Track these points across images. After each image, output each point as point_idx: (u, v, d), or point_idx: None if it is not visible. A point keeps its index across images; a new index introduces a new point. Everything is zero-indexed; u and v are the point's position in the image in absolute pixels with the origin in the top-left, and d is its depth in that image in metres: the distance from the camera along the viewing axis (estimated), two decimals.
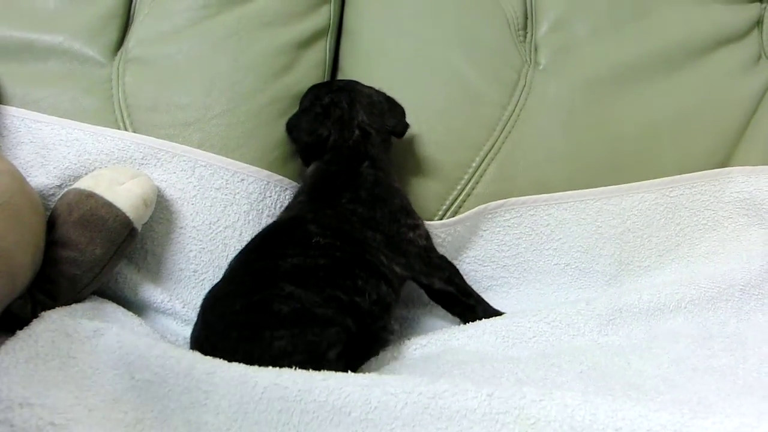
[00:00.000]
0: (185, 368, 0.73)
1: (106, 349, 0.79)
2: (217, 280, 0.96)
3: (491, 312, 1.00)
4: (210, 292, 0.92)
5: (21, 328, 0.81)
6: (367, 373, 0.72)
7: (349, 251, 0.91)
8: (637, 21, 1.19)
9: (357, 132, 1.02)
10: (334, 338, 0.81)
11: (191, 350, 0.83)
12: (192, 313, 0.97)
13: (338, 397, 0.67)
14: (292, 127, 1.06)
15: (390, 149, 1.07)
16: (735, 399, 0.75)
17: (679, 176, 1.09)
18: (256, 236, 0.98)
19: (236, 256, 0.95)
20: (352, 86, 1.07)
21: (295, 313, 0.82)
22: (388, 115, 1.06)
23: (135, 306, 1.01)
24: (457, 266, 1.07)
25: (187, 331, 0.93)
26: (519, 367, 0.82)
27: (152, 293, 1.01)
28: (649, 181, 1.08)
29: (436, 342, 0.93)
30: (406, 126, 1.06)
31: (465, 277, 1.07)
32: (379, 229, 0.95)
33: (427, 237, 1.01)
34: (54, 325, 0.81)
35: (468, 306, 1.00)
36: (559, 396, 0.66)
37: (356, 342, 0.85)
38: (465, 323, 0.99)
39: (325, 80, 1.17)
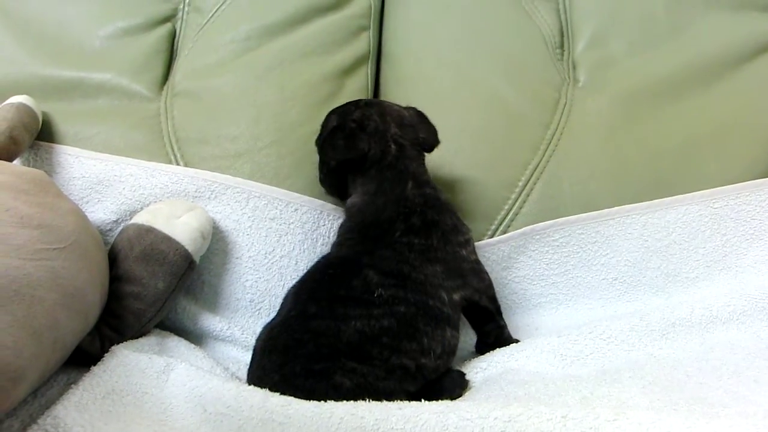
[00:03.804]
0: (259, 401, 0.74)
1: (177, 383, 0.81)
2: (274, 309, 0.98)
3: (512, 338, 1.01)
4: (268, 331, 0.90)
5: (89, 364, 0.83)
6: (441, 401, 0.73)
7: (412, 301, 0.88)
8: (673, 33, 1.20)
9: (393, 146, 0.99)
10: None
11: None
12: (251, 339, 0.98)
13: (415, 425, 0.68)
14: (327, 146, 1.01)
15: (424, 161, 1.04)
16: None
17: (722, 187, 1.09)
18: (312, 273, 0.95)
19: (293, 290, 0.94)
20: (379, 102, 1.06)
21: (358, 388, 0.80)
22: (419, 127, 1.03)
23: (194, 335, 1.04)
24: (506, 285, 1.09)
25: (248, 357, 0.93)
26: (582, 385, 0.82)
27: (211, 322, 1.03)
28: (692, 193, 1.09)
29: (496, 364, 0.94)
30: (437, 141, 1.04)
31: (514, 296, 1.09)
32: (437, 257, 0.93)
33: (475, 250, 1.00)
34: (126, 360, 0.84)
35: (499, 326, 1.01)
36: (632, 415, 0.67)
37: (418, 394, 0.85)
38: (488, 344, 1.00)
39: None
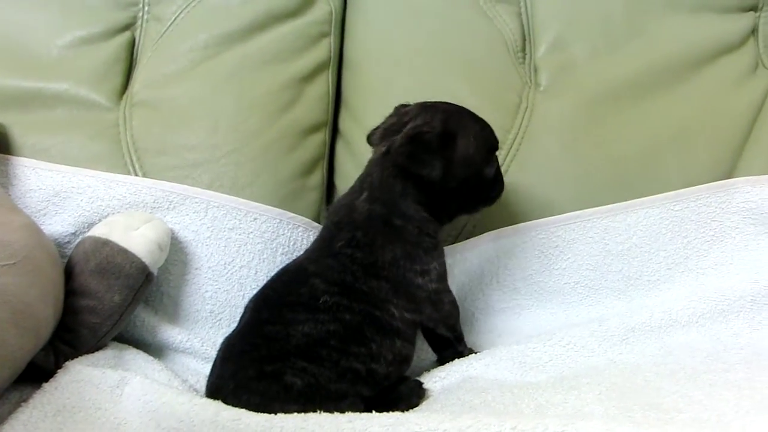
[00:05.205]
0: (211, 415, 0.74)
1: (131, 398, 0.80)
2: (234, 319, 0.98)
3: None
4: (227, 340, 0.91)
5: (44, 379, 0.83)
6: (391, 412, 0.73)
7: (357, 310, 0.88)
8: (634, 37, 1.20)
9: (382, 149, 0.95)
10: (347, 411, 0.77)
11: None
12: (211, 351, 0.98)
13: None
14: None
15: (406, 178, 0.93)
16: (754, 416, 0.75)
17: (683, 190, 1.09)
18: (270, 280, 0.96)
19: (252, 300, 0.95)
20: (431, 106, 0.96)
21: (309, 388, 0.81)
22: (401, 141, 0.92)
23: (153, 347, 1.03)
24: (468, 291, 1.09)
25: (207, 368, 0.93)
26: (538, 392, 0.82)
27: (170, 334, 1.02)
28: (653, 196, 1.09)
29: (455, 373, 0.94)
30: (403, 161, 0.91)
31: (477, 302, 1.09)
32: (383, 276, 0.91)
33: (440, 278, 0.95)
34: (79, 376, 0.83)
35: (458, 351, 0.99)
36: (581, 425, 0.66)
37: (374, 401, 0.85)
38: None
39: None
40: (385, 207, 0.93)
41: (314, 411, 0.75)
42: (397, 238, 0.92)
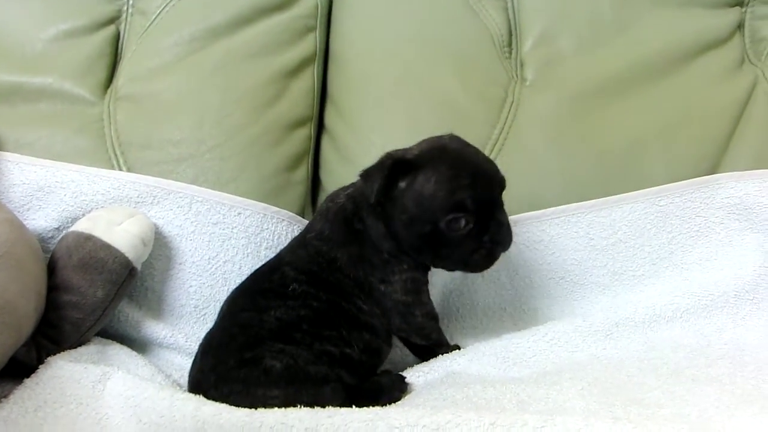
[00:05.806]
0: (192, 410, 0.74)
1: (112, 393, 0.80)
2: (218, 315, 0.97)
3: None
4: (208, 333, 0.91)
5: (26, 375, 0.82)
6: (371, 407, 0.73)
7: (324, 299, 0.89)
8: (620, 31, 1.20)
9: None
10: (330, 397, 0.80)
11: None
12: (195, 346, 0.96)
13: None
14: None
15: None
16: (734, 410, 0.76)
17: (667, 185, 1.09)
18: (251, 273, 0.97)
19: (231, 294, 0.96)
20: (439, 143, 0.93)
21: (288, 370, 0.81)
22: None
23: (138, 343, 1.02)
24: (452, 286, 1.09)
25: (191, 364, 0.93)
26: (521, 387, 0.82)
27: (154, 329, 1.02)
28: (638, 191, 1.09)
29: (438, 368, 0.93)
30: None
31: (460, 297, 1.09)
32: (344, 273, 0.92)
33: (408, 291, 0.94)
34: (61, 371, 0.83)
35: (437, 355, 0.98)
36: (560, 421, 0.67)
37: (356, 392, 0.85)
38: None
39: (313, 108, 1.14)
40: (354, 207, 0.95)
41: (296, 394, 0.78)
42: (354, 240, 0.93)
